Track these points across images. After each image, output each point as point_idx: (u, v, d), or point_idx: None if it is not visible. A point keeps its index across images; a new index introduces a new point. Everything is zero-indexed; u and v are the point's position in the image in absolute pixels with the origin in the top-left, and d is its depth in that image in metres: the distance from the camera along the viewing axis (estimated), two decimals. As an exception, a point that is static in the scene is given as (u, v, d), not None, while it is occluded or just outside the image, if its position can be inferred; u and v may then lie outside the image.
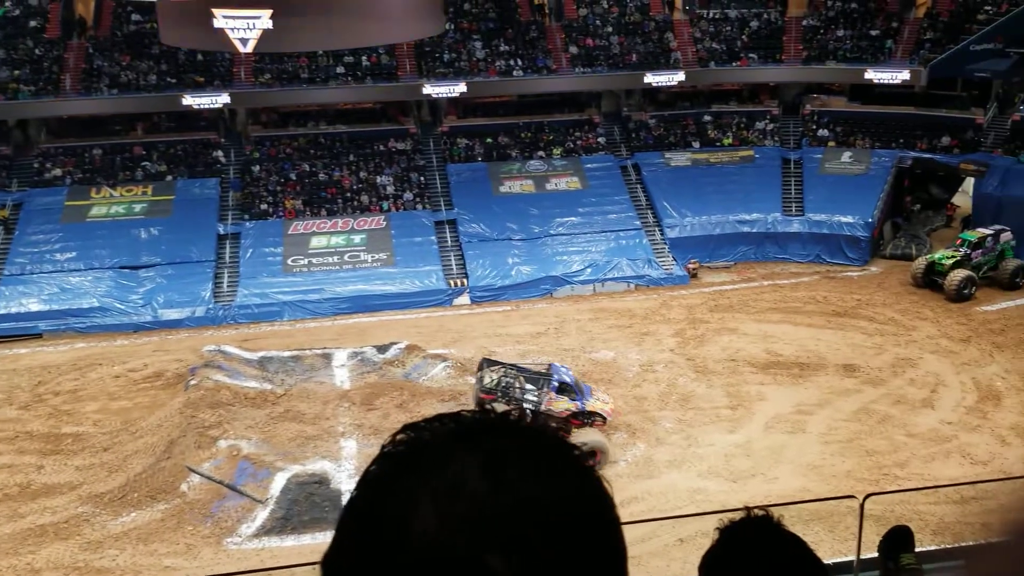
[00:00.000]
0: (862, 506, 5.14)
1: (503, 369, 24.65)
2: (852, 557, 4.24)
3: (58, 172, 39.55)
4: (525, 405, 22.53)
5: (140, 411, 26.72)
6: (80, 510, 21.58)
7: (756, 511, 2.23)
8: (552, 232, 38.24)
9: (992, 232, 34.89)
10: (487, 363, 25.09)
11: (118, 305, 33.94)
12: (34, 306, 33.69)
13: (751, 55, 43.30)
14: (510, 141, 42.37)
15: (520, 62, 42.55)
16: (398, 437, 1.10)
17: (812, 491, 21.84)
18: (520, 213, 39.00)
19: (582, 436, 22.23)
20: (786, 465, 23.43)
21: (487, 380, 24.14)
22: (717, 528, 2.22)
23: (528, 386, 23.95)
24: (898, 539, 3.67)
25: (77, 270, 35.26)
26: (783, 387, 27.67)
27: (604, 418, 24.00)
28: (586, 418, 23.63)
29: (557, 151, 42.20)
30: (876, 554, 3.77)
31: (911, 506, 20.18)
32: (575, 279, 36.08)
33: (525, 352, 30.28)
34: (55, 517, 21.30)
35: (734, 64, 43.25)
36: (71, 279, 34.89)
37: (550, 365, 25.23)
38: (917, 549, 4.19)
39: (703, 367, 29.04)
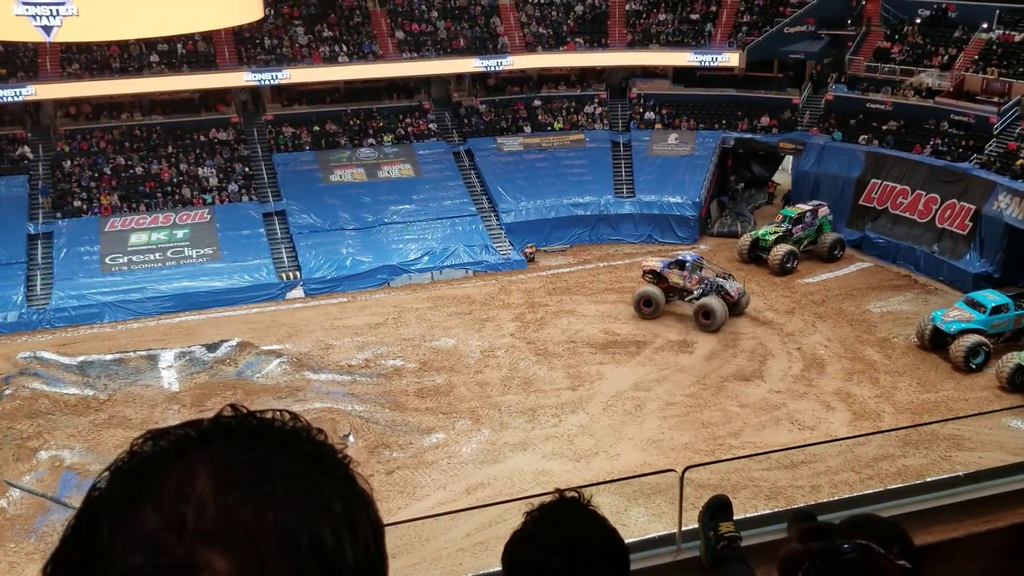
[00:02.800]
0: (681, 479, 5.13)
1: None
2: (670, 530, 4.21)
3: None
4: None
5: (-52, 425, 24.77)
6: None
7: (568, 493, 2.30)
8: (387, 220, 37.65)
9: (811, 208, 36.60)
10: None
11: (-83, 312, 31.34)
12: None
13: (577, 40, 43.83)
14: (338, 129, 41.42)
15: (345, 48, 41.64)
16: (136, 443, 1.06)
17: (653, 464, 22.25)
18: (353, 202, 38.22)
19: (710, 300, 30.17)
20: (627, 441, 23.82)
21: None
22: (525, 512, 2.27)
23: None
24: (717, 509, 3.66)
25: None
26: (621, 366, 28.16)
27: (730, 293, 30.91)
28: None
29: (388, 138, 41.55)
30: (696, 525, 3.77)
31: (746, 473, 20.84)
32: (412, 267, 35.64)
33: (363, 344, 29.70)
34: None
35: (561, 49, 43.68)
36: None
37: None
38: (751, 514, 4.18)
39: (543, 350, 29.21)
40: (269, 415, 1.10)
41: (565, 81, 45.13)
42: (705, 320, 30.28)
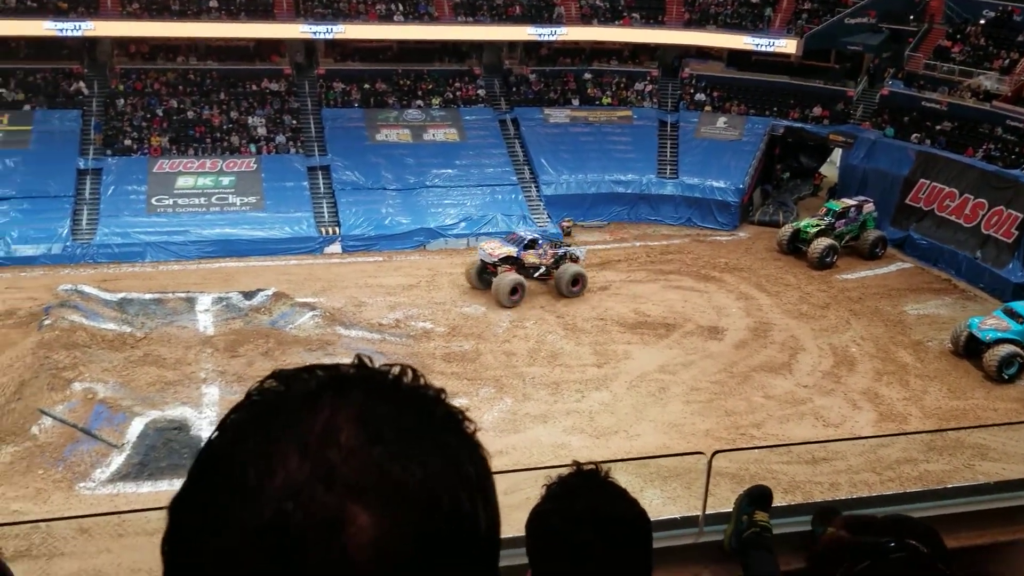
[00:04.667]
0: (710, 462, 5.20)
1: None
2: (694, 512, 4.28)
3: (-95, 96, 36.86)
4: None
5: (-11, 350, 25.33)
6: (-79, 451, 20.44)
7: (586, 466, 2.30)
8: (428, 183, 37.79)
9: (856, 203, 36.19)
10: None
11: (-34, 239, 32.05)
12: None
13: (634, 15, 43.49)
14: (388, 88, 41.51)
15: (401, 7, 41.61)
16: (266, 383, 1.04)
17: (672, 448, 22.32)
18: (396, 162, 38.38)
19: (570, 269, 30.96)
20: (648, 423, 23.89)
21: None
22: (544, 484, 2.28)
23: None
24: (757, 497, 3.73)
25: (-77, 200, 33.16)
26: (649, 347, 28.18)
27: (579, 257, 32.09)
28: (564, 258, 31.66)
29: (436, 101, 41.59)
30: (722, 510, 3.83)
31: (765, 465, 20.83)
32: (449, 232, 35.80)
33: (394, 305, 29.94)
34: None
35: (617, 23, 43.36)
36: (-84, 210, 32.79)
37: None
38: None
39: (572, 325, 29.29)
40: (397, 371, 1.07)
41: (618, 56, 44.85)
42: (574, 287, 31.00)
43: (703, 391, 25.73)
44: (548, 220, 37.26)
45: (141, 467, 20.36)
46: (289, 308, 28.36)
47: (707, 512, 4.26)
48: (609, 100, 43.13)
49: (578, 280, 31.06)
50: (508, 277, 30.03)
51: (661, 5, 43.99)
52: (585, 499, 2.22)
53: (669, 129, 42.01)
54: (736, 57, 43.44)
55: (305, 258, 33.98)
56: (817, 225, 35.30)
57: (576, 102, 42.86)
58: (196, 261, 33.02)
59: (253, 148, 38.15)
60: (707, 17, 43.37)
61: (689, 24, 43.34)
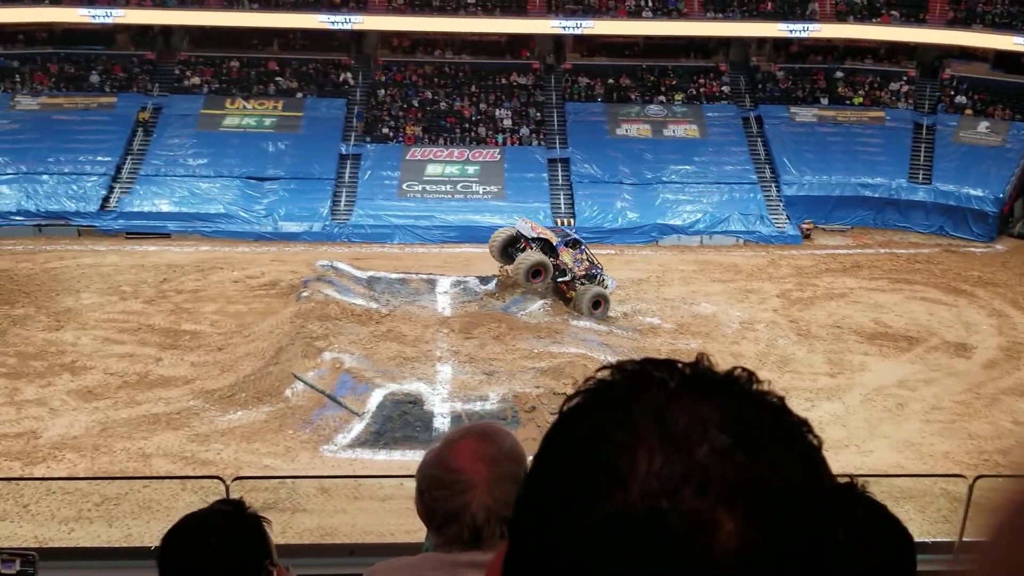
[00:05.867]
0: (971, 487, 5.09)
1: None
2: (946, 538, 4.24)
3: (196, 81, 41.04)
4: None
5: (254, 316, 27.71)
6: (191, 404, 22.41)
7: (840, 478, 2.24)
8: (664, 179, 37.85)
9: None
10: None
11: (242, 214, 35.38)
12: (165, 207, 35.50)
13: (893, 12, 41.51)
14: (632, 83, 41.83)
15: (650, 3, 41.77)
16: (610, 374, 1.00)
17: (906, 468, 21.34)
18: (634, 157, 38.67)
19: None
20: (882, 439, 22.92)
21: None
22: None
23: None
24: None
25: (207, 177, 36.80)
26: (888, 360, 26.98)
27: (608, 286, 28.77)
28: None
29: (678, 97, 41.50)
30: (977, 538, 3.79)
31: (1005, 495, 19.61)
32: (683, 229, 35.70)
33: (623, 298, 30.23)
34: (168, 408, 22.20)
35: (874, 21, 41.55)
36: (201, 185, 36.49)
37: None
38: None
39: (806, 331, 28.51)
40: (741, 372, 1.03)
41: (873, 54, 42.96)
42: (596, 310, 27.96)
43: (945, 411, 24.36)
44: (787, 222, 36.42)
45: (378, 436, 21.28)
46: (520, 295, 29.08)
47: (964, 539, 4.21)
48: (861, 100, 41.45)
49: (600, 302, 28.11)
50: (533, 256, 27.58)
51: (923, 2, 41.71)
52: (848, 513, 2.20)
53: (924, 132, 39.86)
54: (1003, 59, 40.52)
55: (540, 248, 34.88)
56: (1087, 242, 32.52)
57: (825, 101, 41.49)
58: (439, 245, 34.73)
59: (499, 139, 39.63)
60: (973, 16, 40.72)
61: (953, 23, 40.86)
